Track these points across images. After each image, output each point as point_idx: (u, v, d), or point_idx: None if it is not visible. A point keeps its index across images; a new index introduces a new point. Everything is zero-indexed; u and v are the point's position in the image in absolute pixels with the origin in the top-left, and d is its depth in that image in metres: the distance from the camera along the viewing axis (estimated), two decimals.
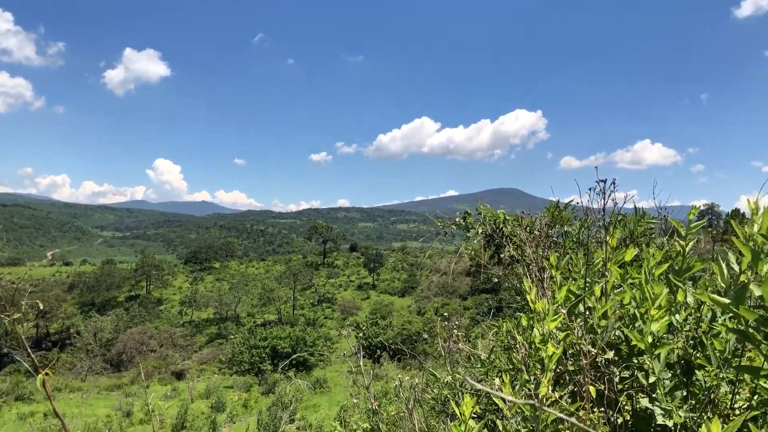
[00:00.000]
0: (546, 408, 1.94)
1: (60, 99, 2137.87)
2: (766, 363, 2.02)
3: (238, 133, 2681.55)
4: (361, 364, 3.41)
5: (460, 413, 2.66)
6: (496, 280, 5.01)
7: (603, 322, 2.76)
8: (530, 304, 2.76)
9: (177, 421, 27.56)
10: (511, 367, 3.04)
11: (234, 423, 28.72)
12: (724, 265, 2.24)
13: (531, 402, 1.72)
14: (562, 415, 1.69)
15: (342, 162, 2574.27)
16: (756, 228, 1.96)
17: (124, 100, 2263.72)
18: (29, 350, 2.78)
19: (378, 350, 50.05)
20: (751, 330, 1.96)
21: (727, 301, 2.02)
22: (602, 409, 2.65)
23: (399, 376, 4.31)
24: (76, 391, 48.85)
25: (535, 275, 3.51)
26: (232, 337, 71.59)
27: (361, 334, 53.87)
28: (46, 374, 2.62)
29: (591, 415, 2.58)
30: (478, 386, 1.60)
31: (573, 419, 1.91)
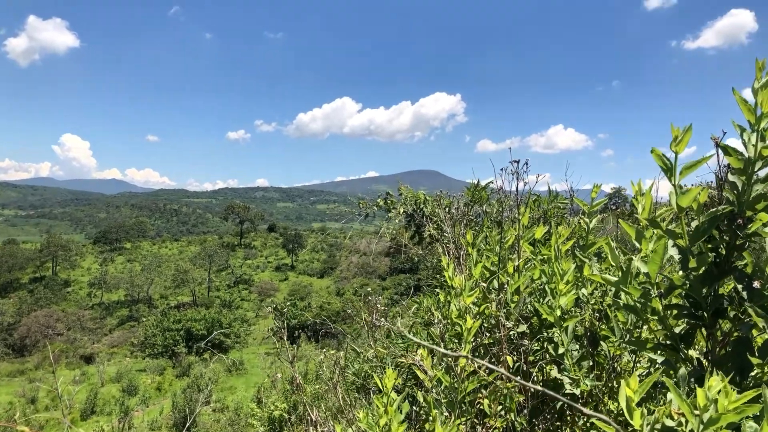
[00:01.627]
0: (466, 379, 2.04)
1: None
2: (651, 335, 2.21)
3: (152, 109, 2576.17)
4: (285, 339, 3.44)
5: (383, 386, 2.75)
6: (416, 259, 5.14)
7: (516, 297, 2.92)
8: (448, 281, 2.88)
9: (87, 406, 26.62)
10: (430, 341, 3.17)
11: (147, 407, 28.03)
12: (614, 245, 2.40)
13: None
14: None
15: (261, 140, 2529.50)
16: (640, 208, 2.11)
17: (29, 71, 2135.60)
18: None
19: (297, 331, 49.95)
20: (638, 305, 2.13)
21: (613, 279, 2.19)
22: (517, 378, 2.81)
23: (322, 353, 4.37)
24: None
25: (453, 253, 3.64)
26: (145, 319, 69.47)
27: (280, 315, 53.57)
28: None
29: (507, 384, 2.73)
30: (409, 359, 1.68)
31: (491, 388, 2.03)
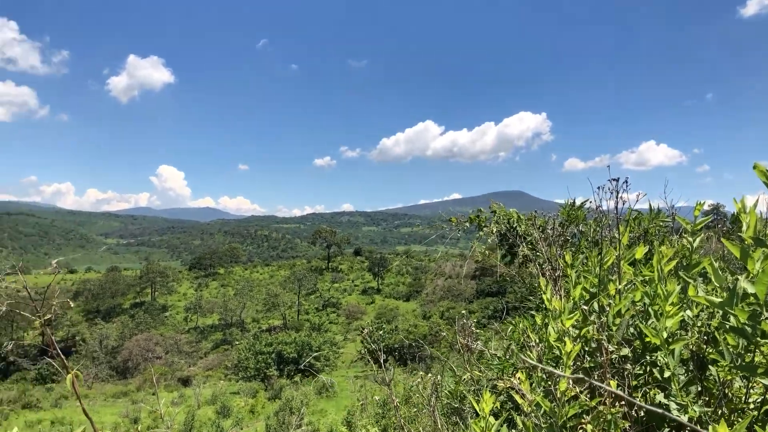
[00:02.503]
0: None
1: (64, 107, 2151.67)
2: (764, 360, 2.08)
3: (242, 139, 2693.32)
4: (381, 362, 3.47)
5: (480, 409, 2.72)
6: (508, 279, 5.06)
7: (618, 320, 2.82)
8: (545, 302, 2.82)
9: (185, 428, 27.61)
10: (527, 365, 3.10)
11: (241, 428, 28.76)
12: (716, 265, 2.29)
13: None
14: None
15: (346, 166, 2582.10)
16: (744, 227, 2.01)
17: (128, 107, 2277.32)
18: (59, 350, 2.86)
19: (385, 355, 49.85)
20: (747, 328, 2.01)
21: (717, 300, 2.08)
22: (621, 403, 2.70)
23: (417, 376, 4.36)
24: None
25: (549, 274, 3.57)
26: (237, 343, 71.65)
27: (368, 338, 53.78)
28: (76, 375, 2.69)
29: (611, 410, 2.63)
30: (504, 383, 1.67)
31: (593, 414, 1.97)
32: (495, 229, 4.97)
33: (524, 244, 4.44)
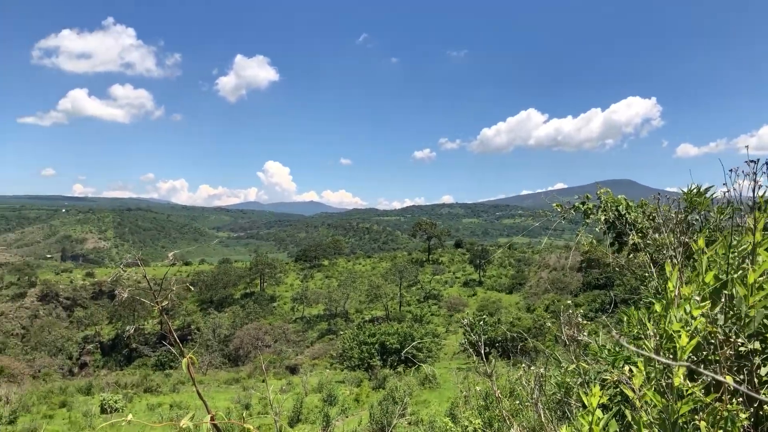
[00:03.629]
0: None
1: (177, 107, 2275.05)
2: None
3: (344, 134, 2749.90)
4: (482, 353, 3.38)
5: (587, 402, 2.57)
6: (617, 270, 4.79)
7: (753, 311, 2.55)
8: (668, 290, 2.61)
9: (293, 414, 28.52)
10: (641, 357, 2.90)
11: (347, 417, 29.36)
12: None
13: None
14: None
15: (445, 158, 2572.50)
16: None
17: (236, 105, 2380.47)
18: (175, 336, 2.99)
19: (487, 348, 49.27)
20: None
21: None
22: (740, 400, 2.47)
23: (519, 369, 4.22)
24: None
25: (672, 260, 3.32)
26: (342, 333, 73.16)
27: (470, 330, 53.43)
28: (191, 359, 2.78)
29: (729, 407, 2.41)
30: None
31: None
32: (602, 217, 4.70)
33: (634, 232, 4.17)
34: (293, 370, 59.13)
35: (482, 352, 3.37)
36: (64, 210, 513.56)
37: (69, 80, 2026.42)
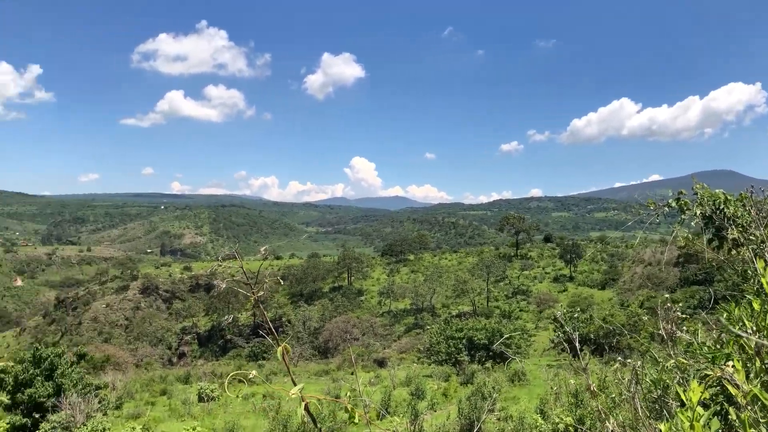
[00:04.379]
0: None
1: (268, 106, 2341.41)
2: None
3: (429, 128, 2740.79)
4: (578, 349, 3.40)
5: (687, 399, 2.56)
6: (716, 266, 4.64)
7: None
8: (765, 287, 2.57)
9: (381, 406, 28.96)
10: (743, 355, 2.85)
11: (435, 411, 29.50)
12: None
13: None
14: None
15: (534, 150, 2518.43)
16: None
17: (324, 103, 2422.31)
18: (271, 326, 3.19)
19: (579, 345, 48.09)
20: None
21: None
22: None
23: (617, 363, 4.20)
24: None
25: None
26: (429, 327, 73.33)
27: (560, 326, 52.33)
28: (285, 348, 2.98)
29: None
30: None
31: None
32: (699, 212, 4.55)
33: (734, 227, 4.03)
34: (381, 363, 59.81)
35: (577, 347, 3.38)
36: (162, 207, 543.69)
37: (166, 82, 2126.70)
